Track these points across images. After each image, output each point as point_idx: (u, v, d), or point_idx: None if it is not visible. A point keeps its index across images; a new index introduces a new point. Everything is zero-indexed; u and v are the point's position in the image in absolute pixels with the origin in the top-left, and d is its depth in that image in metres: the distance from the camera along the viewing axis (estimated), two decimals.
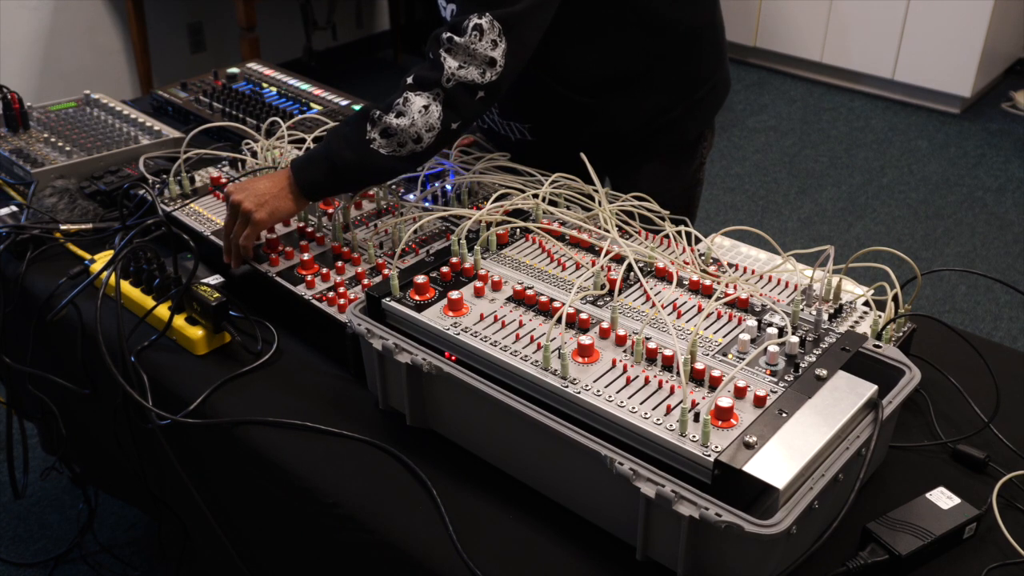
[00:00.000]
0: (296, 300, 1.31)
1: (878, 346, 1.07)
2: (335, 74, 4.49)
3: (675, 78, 1.61)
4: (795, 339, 1.06)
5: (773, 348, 1.05)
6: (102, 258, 1.47)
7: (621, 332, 1.09)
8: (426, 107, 1.32)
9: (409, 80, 1.35)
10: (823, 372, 1.02)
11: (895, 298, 1.20)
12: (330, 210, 1.49)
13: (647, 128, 1.64)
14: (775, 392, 0.99)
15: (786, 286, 1.23)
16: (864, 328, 1.15)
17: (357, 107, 1.94)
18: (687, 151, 1.73)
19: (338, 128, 1.40)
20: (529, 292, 1.16)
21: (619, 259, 1.25)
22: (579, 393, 1.00)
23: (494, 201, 1.36)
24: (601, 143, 1.60)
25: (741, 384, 0.99)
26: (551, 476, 1.05)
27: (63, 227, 1.55)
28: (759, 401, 0.98)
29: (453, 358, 1.10)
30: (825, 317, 1.12)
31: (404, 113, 1.32)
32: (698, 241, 1.30)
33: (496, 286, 1.19)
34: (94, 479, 1.72)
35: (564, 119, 1.62)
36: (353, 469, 1.13)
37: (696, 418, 0.95)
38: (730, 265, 1.27)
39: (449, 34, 1.33)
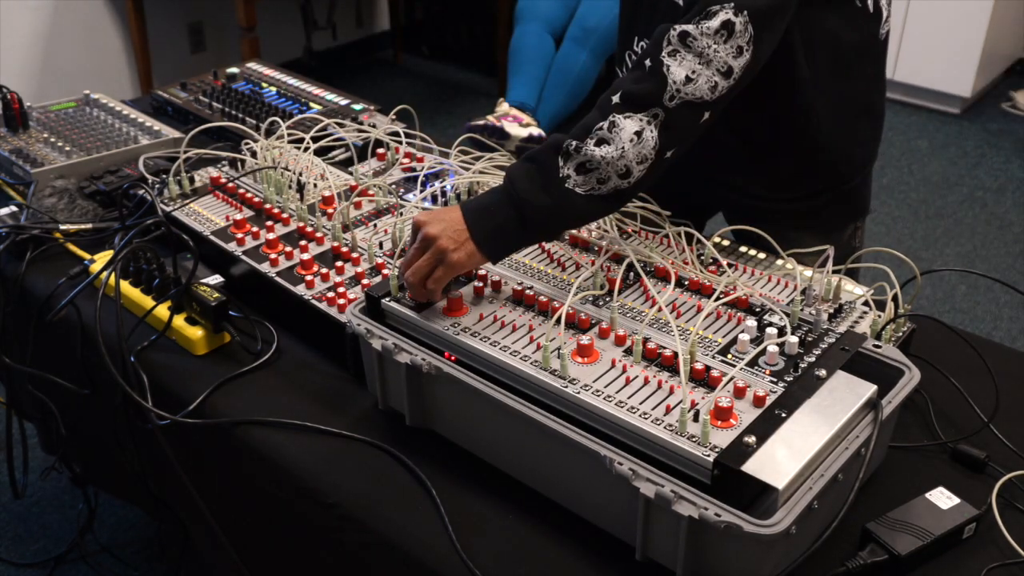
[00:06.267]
0: (296, 300, 1.31)
1: (878, 346, 1.07)
2: (335, 74, 4.49)
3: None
4: (795, 339, 1.06)
5: (773, 348, 1.05)
6: (102, 258, 1.47)
7: (620, 332, 1.09)
8: (639, 133, 1.06)
9: (616, 99, 1.08)
10: (823, 372, 1.01)
11: (895, 298, 1.20)
12: (330, 210, 1.49)
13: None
14: (775, 392, 0.99)
15: (786, 286, 1.23)
16: (864, 328, 1.15)
17: (357, 107, 1.93)
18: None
19: (517, 167, 1.12)
20: (529, 292, 1.16)
21: (618, 259, 1.25)
22: (578, 393, 1.00)
23: None
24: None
25: (741, 384, 0.99)
26: (551, 476, 1.05)
27: (63, 227, 1.55)
28: (759, 401, 0.98)
29: (452, 358, 1.10)
30: (825, 317, 1.12)
31: (609, 141, 1.07)
32: (698, 241, 1.30)
33: (496, 286, 1.19)
34: (94, 479, 1.72)
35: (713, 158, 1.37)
36: (353, 469, 1.13)
37: (696, 418, 0.95)
38: (730, 265, 1.27)
39: (683, 29, 1.06)
